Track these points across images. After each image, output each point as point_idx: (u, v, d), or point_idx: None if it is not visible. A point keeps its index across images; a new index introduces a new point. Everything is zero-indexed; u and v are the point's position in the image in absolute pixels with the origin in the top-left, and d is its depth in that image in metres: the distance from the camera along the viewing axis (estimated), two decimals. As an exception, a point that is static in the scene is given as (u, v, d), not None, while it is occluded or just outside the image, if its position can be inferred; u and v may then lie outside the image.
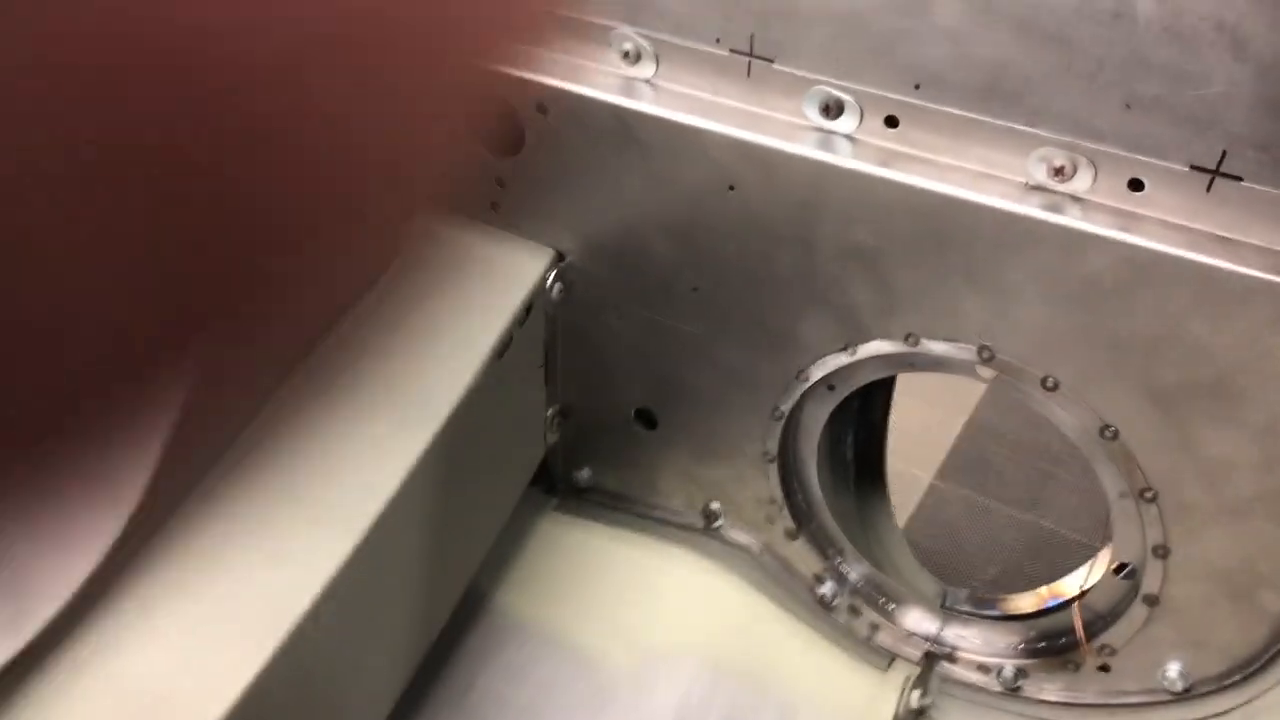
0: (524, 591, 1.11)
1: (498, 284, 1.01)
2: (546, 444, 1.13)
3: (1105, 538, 0.93)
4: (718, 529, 1.10)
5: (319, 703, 0.85)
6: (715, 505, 1.10)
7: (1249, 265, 0.72)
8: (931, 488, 2.27)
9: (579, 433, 1.14)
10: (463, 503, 0.98)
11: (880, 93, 0.82)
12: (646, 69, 0.91)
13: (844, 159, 0.83)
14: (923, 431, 2.36)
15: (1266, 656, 0.84)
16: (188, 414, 0.75)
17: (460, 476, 0.96)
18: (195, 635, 0.78)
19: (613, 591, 1.11)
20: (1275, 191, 0.72)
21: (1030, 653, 0.99)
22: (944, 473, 2.30)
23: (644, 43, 0.90)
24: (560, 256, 1.02)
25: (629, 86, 0.91)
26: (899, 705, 1.00)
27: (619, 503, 1.16)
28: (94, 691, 0.74)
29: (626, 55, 0.91)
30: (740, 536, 1.10)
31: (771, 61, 0.85)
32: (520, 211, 1.02)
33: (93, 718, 0.73)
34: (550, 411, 1.11)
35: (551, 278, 1.02)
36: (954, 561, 2.08)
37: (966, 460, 2.32)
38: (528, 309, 1.00)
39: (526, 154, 0.97)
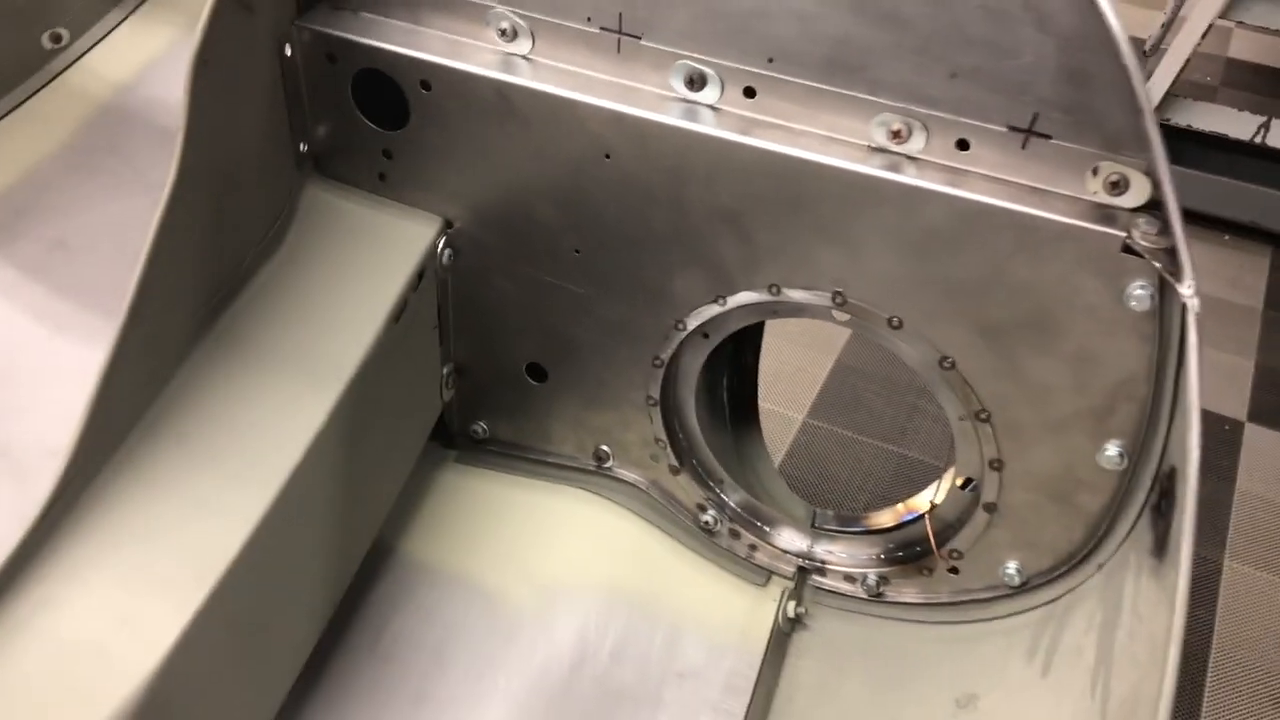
0: (429, 539, 1.18)
1: (390, 252, 1.07)
2: (443, 400, 1.20)
3: (950, 459, 1.05)
4: (608, 469, 1.19)
5: (244, 649, 0.91)
6: (605, 448, 1.18)
7: (1059, 213, 0.84)
8: (804, 425, 2.40)
9: (474, 388, 1.21)
10: (368, 458, 1.05)
11: (739, 66, 0.91)
12: (523, 45, 0.97)
13: (708, 127, 0.92)
14: (795, 373, 2.49)
15: (1086, 549, 0.97)
16: (109, 378, 0.81)
17: (364, 433, 1.02)
18: (128, 589, 0.83)
19: (513, 533, 1.19)
20: (1079, 148, 0.83)
21: (890, 561, 1.11)
22: (815, 411, 2.44)
23: (520, 21, 0.96)
24: (449, 224, 1.09)
25: (507, 62, 0.98)
26: (777, 615, 1.11)
27: (514, 451, 1.23)
28: (37, 646, 0.79)
29: (504, 33, 0.97)
30: (629, 475, 1.19)
31: (639, 38, 0.93)
32: (408, 182, 1.08)
33: (39, 671, 0.78)
34: (446, 370, 1.18)
35: (441, 244, 1.08)
36: (826, 492, 2.22)
37: (836, 398, 2.46)
38: (420, 275, 1.07)
39: (412, 128, 1.03)
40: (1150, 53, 2.99)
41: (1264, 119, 3.02)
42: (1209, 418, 2.46)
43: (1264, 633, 2.04)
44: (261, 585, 0.91)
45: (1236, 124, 3.01)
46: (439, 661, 1.09)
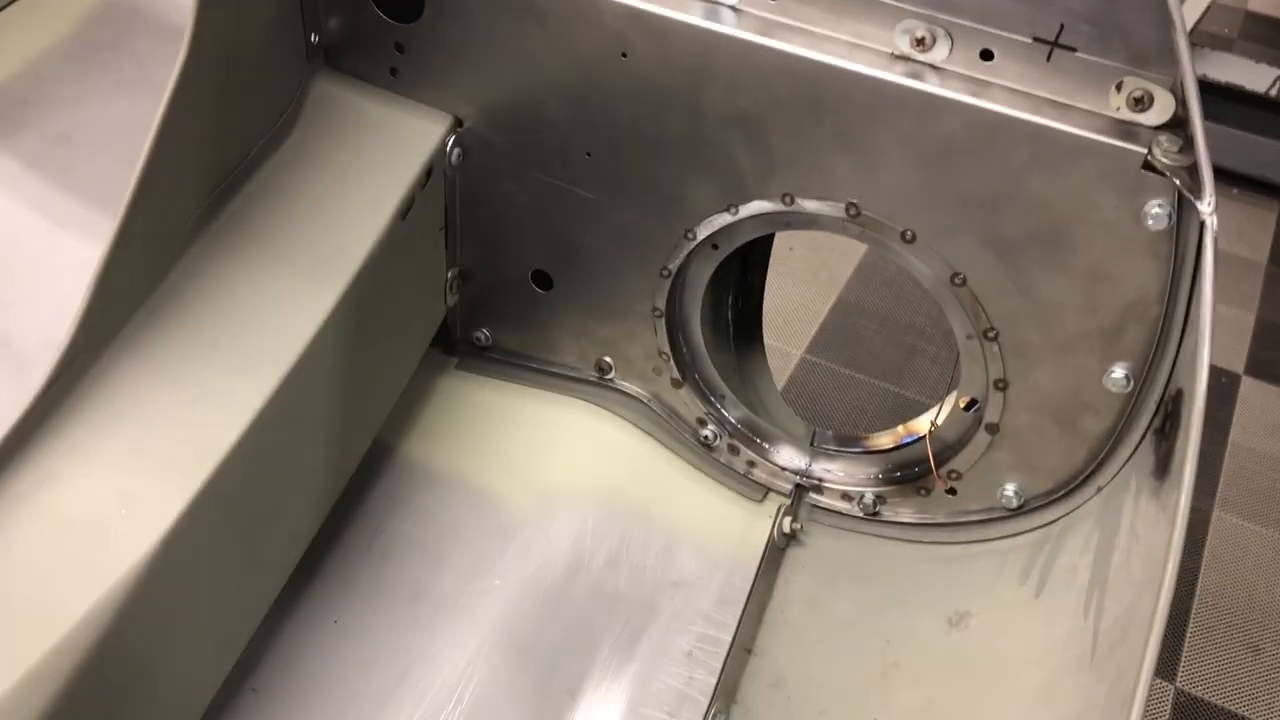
0: (429, 443, 1.18)
1: (399, 148, 1.05)
2: (447, 305, 1.19)
3: (954, 382, 1.05)
4: (609, 381, 1.19)
5: (242, 536, 0.92)
6: (607, 359, 1.18)
7: (1080, 127, 0.83)
8: (802, 361, 2.40)
9: (478, 294, 1.20)
10: (370, 355, 1.04)
11: None
12: (542, -61, 0.95)
13: (729, 28, 0.90)
14: (795, 309, 2.49)
15: (1086, 472, 0.97)
16: (112, 260, 0.80)
17: (367, 330, 1.02)
18: (128, 469, 0.83)
19: (512, 440, 1.19)
20: (1103, 61, 0.82)
21: (888, 481, 1.11)
22: (814, 347, 2.44)
23: (540, -87, 0.94)
24: (459, 122, 1.07)
25: None
26: (772, 530, 1.12)
27: (516, 360, 1.23)
28: (38, 520, 0.79)
29: (524, -75, 0.95)
30: (630, 387, 1.19)
31: (662, -67, 0.91)
32: (419, 78, 1.06)
33: (39, 544, 0.78)
34: (450, 274, 1.17)
35: (451, 143, 1.07)
36: (821, 429, 2.22)
37: (835, 335, 2.46)
38: (428, 173, 1.05)
39: (426, 20, 1.02)
40: None
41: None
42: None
43: (1247, 582, 2.06)
44: (261, 474, 0.91)
45: (1252, 76, 2.99)
46: (435, 562, 1.09)
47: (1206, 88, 2.96)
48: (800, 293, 2.54)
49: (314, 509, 1.03)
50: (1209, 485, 2.24)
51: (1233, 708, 1.85)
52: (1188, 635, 1.96)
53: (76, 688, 0.75)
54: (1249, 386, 2.47)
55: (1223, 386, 2.46)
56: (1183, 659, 1.92)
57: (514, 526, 1.12)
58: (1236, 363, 2.52)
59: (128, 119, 1.19)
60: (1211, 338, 0.79)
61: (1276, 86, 2.95)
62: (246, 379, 0.89)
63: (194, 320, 0.92)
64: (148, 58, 1.28)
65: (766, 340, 1.24)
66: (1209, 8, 2.82)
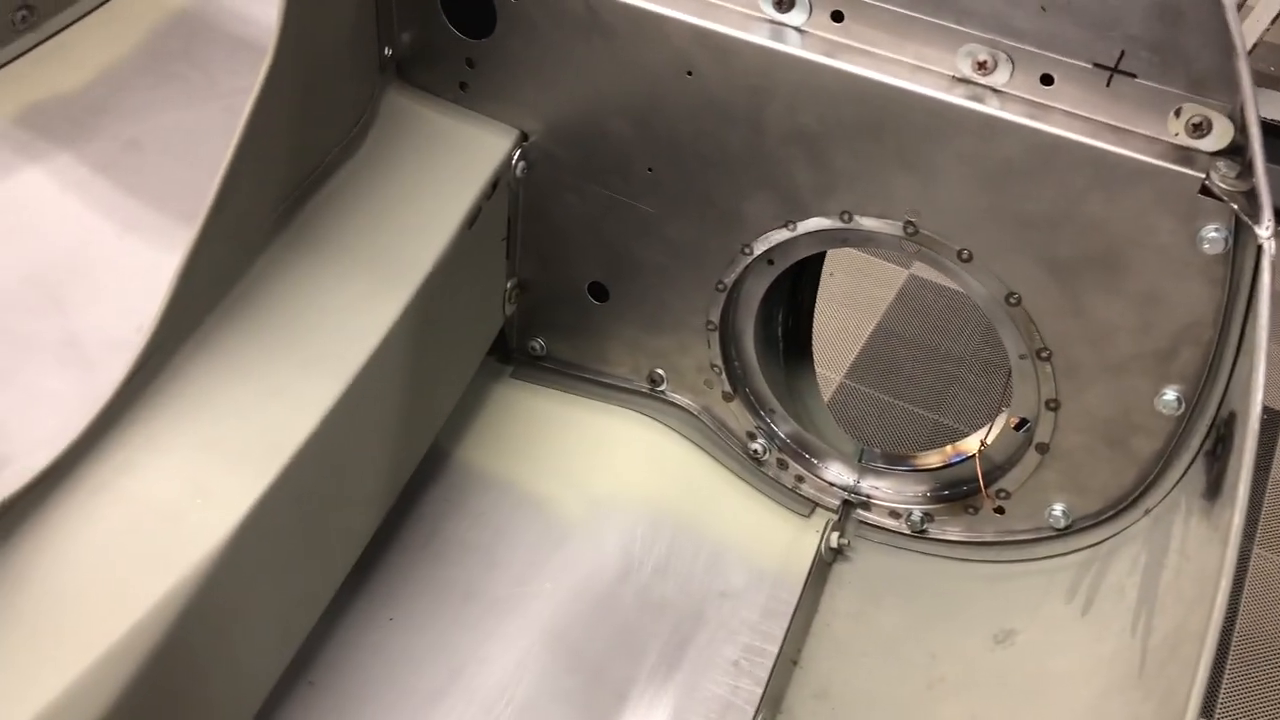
0: (484, 449, 1.21)
1: (467, 160, 1.08)
2: (505, 314, 1.22)
3: (1005, 402, 1.06)
4: (661, 393, 1.21)
5: (308, 531, 0.94)
6: (659, 371, 1.20)
7: (1139, 151, 0.84)
8: (841, 385, 2.41)
9: (535, 305, 1.23)
10: (432, 361, 1.07)
11: None
12: (614, -41, 0.98)
13: (794, 48, 0.92)
14: (836, 334, 2.50)
15: (1135, 494, 0.98)
16: (192, 260, 0.83)
17: (431, 336, 1.04)
18: (204, 461, 0.86)
19: (565, 448, 1.21)
20: (1163, 88, 0.84)
21: (936, 499, 1.12)
22: (853, 372, 2.45)
23: (612, -66, 0.97)
24: (524, 136, 1.10)
25: None
26: (820, 545, 1.13)
27: (570, 370, 1.25)
28: (117, 506, 0.82)
29: (595, -54, 0.98)
30: (681, 399, 1.21)
31: (729, -43, 0.94)
32: (488, 92, 1.09)
33: (119, 529, 0.81)
34: (510, 284, 1.20)
35: (516, 156, 1.10)
36: (861, 453, 2.23)
37: (875, 361, 2.47)
38: (494, 184, 1.08)
39: (497, 37, 1.05)
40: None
41: (1329, 111, 2.98)
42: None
43: (1285, 621, 2.05)
44: (328, 471, 0.93)
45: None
46: (488, 564, 1.11)
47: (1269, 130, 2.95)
48: (841, 317, 2.55)
49: (374, 507, 1.05)
50: (1249, 523, 2.22)
51: (1271, 746, 1.83)
52: (1225, 672, 1.95)
53: (147, 670, 0.78)
54: (1292, 424, 2.46)
55: (1265, 423, 2.45)
56: (1220, 696, 1.90)
57: (565, 532, 1.14)
58: (1278, 399, 2.51)
59: (196, 127, 1.23)
60: (1267, 362, 0.80)
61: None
62: (317, 378, 0.92)
63: (268, 320, 0.95)
64: (215, 67, 1.33)
65: None
66: (1256, 45, 2.82)
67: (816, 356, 2.47)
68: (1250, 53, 2.78)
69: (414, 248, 1.02)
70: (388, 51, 1.10)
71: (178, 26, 1.39)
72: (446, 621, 1.07)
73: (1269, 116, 2.96)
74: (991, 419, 1.09)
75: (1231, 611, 2.05)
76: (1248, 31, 2.81)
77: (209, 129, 1.24)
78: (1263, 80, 3.51)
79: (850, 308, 2.57)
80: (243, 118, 0.92)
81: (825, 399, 2.40)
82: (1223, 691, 1.91)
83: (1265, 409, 2.45)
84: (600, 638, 1.07)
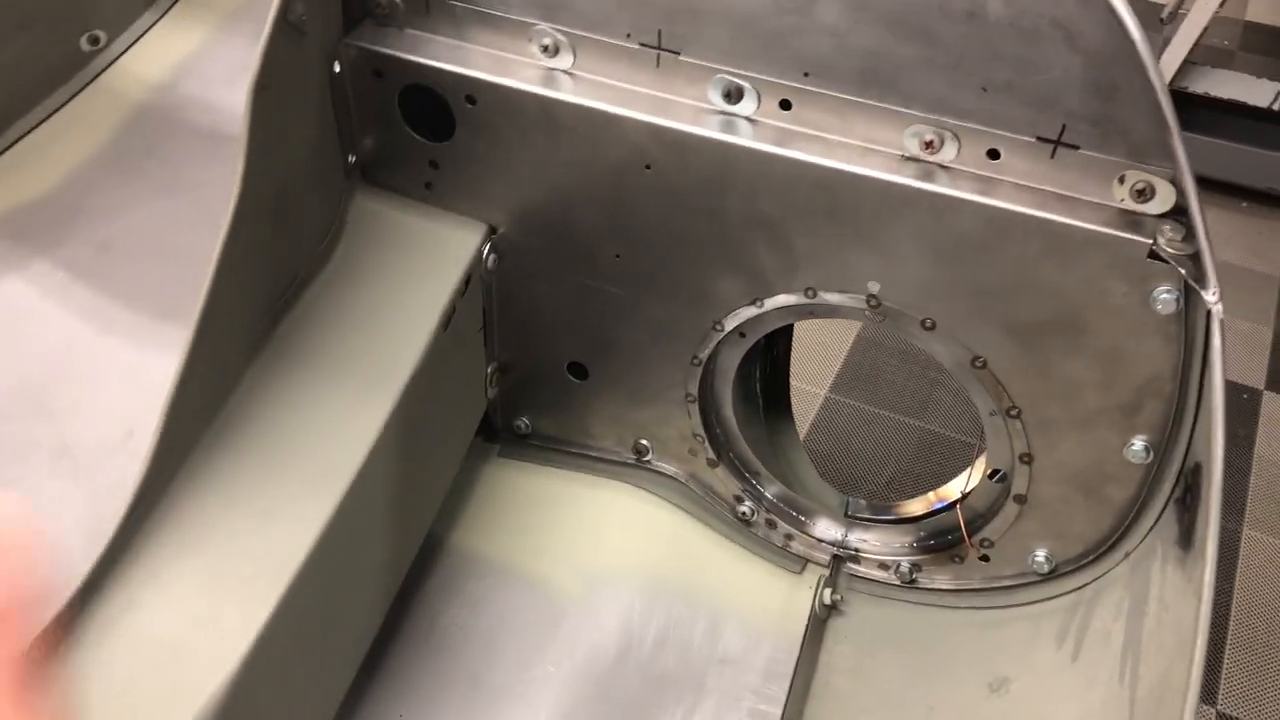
0: (477, 532, 1.23)
1: (438, 260, 1.10)
2: (488, 398, 1.24)
3: (980, 449, 1.09)
4: (647, 462, 1.24)
5: (313, 646, 0.96)
6: (644, 442, 1.23)
7: (1088, 220, 0.87)
8: (826, 400, 2.44)
9: (517, 385, 1.25)
10: (420, 458, 1.09)
11: (775, 80, 0.94)
12: (565, 60, 1.01)
13: (746, 139, 0.95)
14: (817, 349, 2.53)
15: (1113, 539, 1.01)
16: (180, 390, 0.86)
17: (417, 436, 1.07)
18: (207, 592, 0.88)
19: (557, 525, 1.23)
20: (1104, 157, 0.86)
21: (922, 549, 1.15)
22: (837, 386, 2.47)
23: (561, 37, 1.00)
24: (493, 229, 1.12)
25: (550, 77, 1.01)
26: (814, 602, 1.16)
27: (556, 445, 1.28)
28: (127, 645, 0.84)
29: (546, 49, 1.01)
30: (668, 468, 1.23)
31: (678, 54, 0.96)
32: (454, 191, 1.11)
33: (130, 668, 0.83)
34: (490, 369, 1.22)
35: (486, 250, 1.12)
36: (851, 467, 2.26)
37: (857, 373, 2.50)
38: (467, 280, 1.10)
39: (457, 140, 1.07)
40: (1167, 20, 2.99)
41: (1281, 86, 3.02)
42: (1228, 387, 2.51)
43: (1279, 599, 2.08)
44: (328, 586, 0.96)
45: (1253, 91, 3.02)
46: (490, 650, 1.14)
47: (1210, 104, 3.00)
48: (821, 333, 2.58)
49: (376, 608, 1.07)
50: (1237, 503, 2.26)
51: (1275, 728, 1.87)
52: (1225, 657, 1.98)
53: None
54: (1271, 401, 2.50)
55: (1244, 403, 2.48)
56: (1222, 680, 1.94)
57: (563, 611, 1.16)
58: (1257, 378, 2.55)
59: (166, 223, 1.25)
60: (1225, 418, 0.83)
61: (1277, 100, 2.98)
62: (310, 498, 0.94)
63: (256, 443, 0.97)
64: (180, 160, 1.35)
65: (793, 382, 1.29)
66: (1208, 25, 2.86)
67: (801, 374, 2.51)
68: (1201, 36, 2.81)
69: (394, 354, 1.04)
70: (352, 159, 1.12)
71: (140, 122, 1.41)
72: (454, 713, 1.10)
73: (1225, 95, 3.00)
74: (969, 467, 1.12)
75: (1226, 595, 2.09)
76: (1193, 25, 2.85)
77: (179, 224, 1.25)
78: (1216, 57, 3.55)
79: (830, 322, 2.60)
80: (217, 244, 0.94)
81: (812, 415, 2.44)
82: (1224, 674, 1.94)
83: (1244, 388, 2.50)
84: (607, 718, 1.09)
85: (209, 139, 1.39)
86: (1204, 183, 0.81)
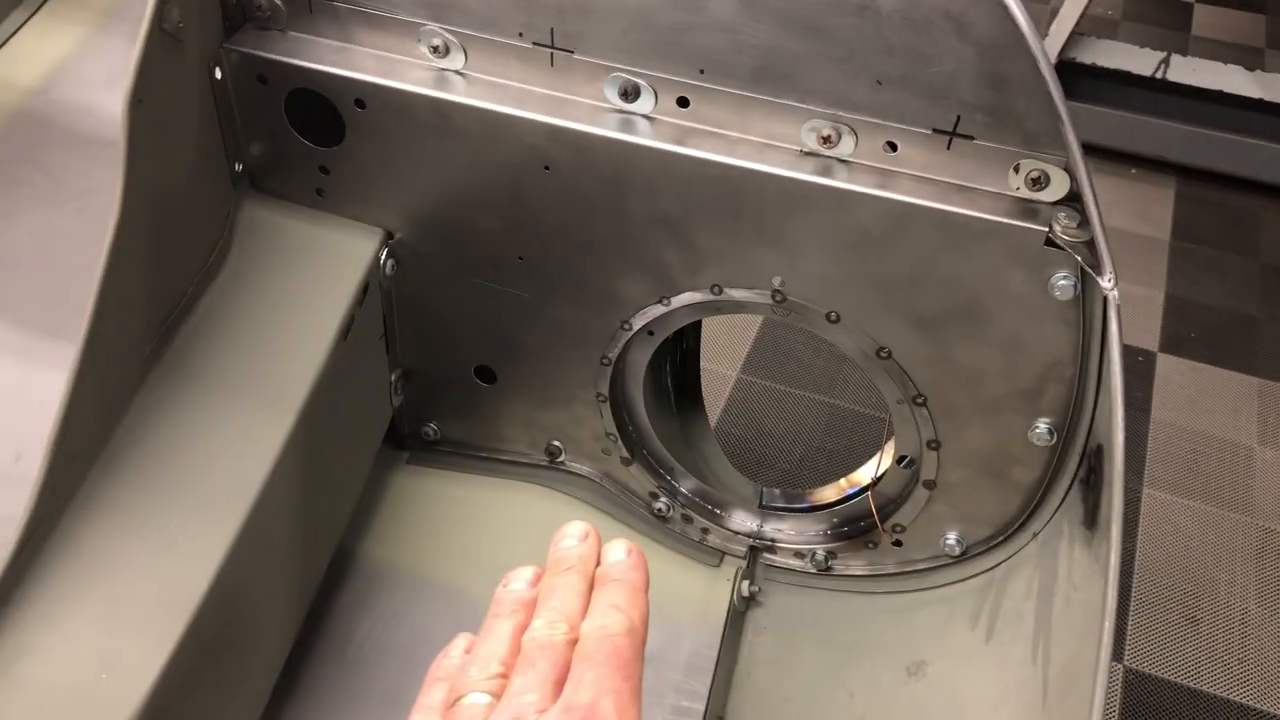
0: (389, 542, 1.21)
1: (333, 268, 1.07)
2: (393, 406, 1.21)
3: (888, 433, 1.10)
4: (561, 464, 1.22)
5: (222, 675, 0.93)
6: (556, 443, 1.21)
7: (985, 211, 0.88)
8: (738, 381, 2.46)
9: (423, 391, 1.22)
10: (326, 472, 1.06)
11: (671, 77, 0.93)
12: (456, 60, 0.98)
13: (644, 138, 0.94)
14: (727, 331, 2.54)
15: (1021, 519, 1.03)
16: (66, 420, 0.82)
17: (321, 450, 1.04)
18: (105, 630, 0.84)
19: (470, 531, 1.21)
20: (999, 147, 0.87)
21: (837, 537, 1.16)
22: (748, 366, 2.49)
23: (451, 37, 0.97)
24: (390, 235, 1.09)
25: (442, 78, 0.98)
26: (732, 594, 1.16)
27: (467, 450, 1.26)
28: (21, 695, 0.80)
29: (436, 49, 0.98)
30: (581, 468, 1.22)
31: (572, 52, 0.94)
32: (346, 197, 1.08)
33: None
34: (394, 376, 1.19)
35: (384, 256, 1.09)
36: (763, 447, 2.28)
37: (767, 353, 2.51)
38: (365, 289, 1.08)
39: (348, 145, 1.04)
40: (1054, -8, 3.06)
41: (1164, 54, 3.11)
42: (1123, 351, 2.59)
43: (1180, 555, 2.16)
44: (234, 612, 0.92)
45: (1138, 60, 3.10)
46: (408, 663, 1.12)
47: (1097, 74, 3.07)
48: (729, 316, 2.59)
49: (286, 631, 1.05)
50: (1136, 464, 2.33)
51: (1179, 680, 1.94)
52: (1131, 615, 2.05)
53: None
54: (1165, 363, 2.58)
55: (1140, 365, 2.56)
56: (1128, 638, 2.00)
57: (481, 620, 1.14)
58: (1151, 341, 2.63)
59: (48, 235, 1.20)
60: (1125, 401, 0.85)
61: (1161, 69, 3.07)
62: (211, 522, 0.91)
63: (151, 468, 0.93)
64: (60, 169, 1.29)
65: (704, 364, 1.28)
66: (1091, 1, 2.92)
67: (713, 356, 2.51)
68: (1087, 7, 2.87)
69: (292, 369, 1.01)
70: (239, 167, 1.08)
71: (16, 129, 1.35)
72: (373, 731, 1.08)
73: (1110, 65, 3.08)
74: (879, 454, 1.13)
75: (1130, 554, 2.15)
76: (1074, 2, 2.91)
77: (63, 235, 1.20)
78: (1101, 27, 3.64)
79: (738, 304, 2.61)
80: (99, 267, 0.90)
81: (725, 396, 2.46)
82: (1129, 632, 2.01)
83: (1139, 351, 2.58)
84: (530, 725, 1.08)
85: (90, 145, 1.33)
86: (1094, 150, 0.83)
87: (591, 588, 0.67)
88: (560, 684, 0.59)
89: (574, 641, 0.62)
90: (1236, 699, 1.91)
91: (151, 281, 0.97)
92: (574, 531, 0.71)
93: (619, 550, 0.69)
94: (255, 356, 1.01)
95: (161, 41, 0.91)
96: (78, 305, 0.92)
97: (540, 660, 0.61)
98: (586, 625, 0.63)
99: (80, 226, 1.23)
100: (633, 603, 0.64)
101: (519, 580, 0.72)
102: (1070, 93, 0.82)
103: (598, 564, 0.69)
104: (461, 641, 0.74)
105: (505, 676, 0.62)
